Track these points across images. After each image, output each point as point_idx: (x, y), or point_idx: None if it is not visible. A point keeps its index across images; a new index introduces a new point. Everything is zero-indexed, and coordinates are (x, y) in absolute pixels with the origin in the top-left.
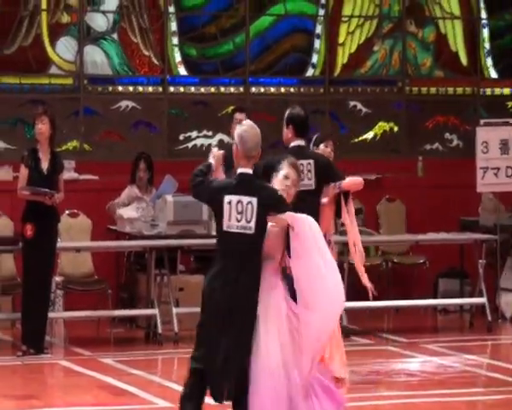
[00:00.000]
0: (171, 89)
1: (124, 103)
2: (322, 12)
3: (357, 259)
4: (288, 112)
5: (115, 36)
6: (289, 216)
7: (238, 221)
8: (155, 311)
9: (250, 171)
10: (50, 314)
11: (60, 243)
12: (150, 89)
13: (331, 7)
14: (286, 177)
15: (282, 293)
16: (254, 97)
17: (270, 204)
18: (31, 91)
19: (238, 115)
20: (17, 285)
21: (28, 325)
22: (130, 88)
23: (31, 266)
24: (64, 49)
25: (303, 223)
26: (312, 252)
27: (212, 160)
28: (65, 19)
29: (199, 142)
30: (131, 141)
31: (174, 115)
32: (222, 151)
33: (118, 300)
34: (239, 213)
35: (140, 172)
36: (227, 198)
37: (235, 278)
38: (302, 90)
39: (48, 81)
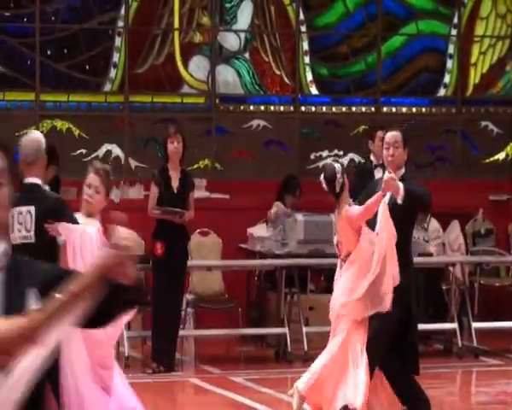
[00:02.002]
0: (303, 108)
1: (255, 122)
2: (454, 32)
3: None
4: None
5: (247, 55)
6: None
7: None
8: (285, 330)
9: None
10: (181, 332)
11: (191, 262)
12: (282, 108)
13: (463, 27)
14: None
15: None
16: (386, 117)
17: None
18: (162, 110)
19: (380, 133)
20: (147, 303)
21: (159, 343)
22: (262, 107)
23: (161, 285)
24: (196, 69)
25: None
26: None
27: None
28: (197, 38)
29: (330, 161)
30: (263, 160)
31: (305, 134)
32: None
33: (248, 318)
34: None
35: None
36: None
37: None
38: (434, 110)
39: (180, 100)
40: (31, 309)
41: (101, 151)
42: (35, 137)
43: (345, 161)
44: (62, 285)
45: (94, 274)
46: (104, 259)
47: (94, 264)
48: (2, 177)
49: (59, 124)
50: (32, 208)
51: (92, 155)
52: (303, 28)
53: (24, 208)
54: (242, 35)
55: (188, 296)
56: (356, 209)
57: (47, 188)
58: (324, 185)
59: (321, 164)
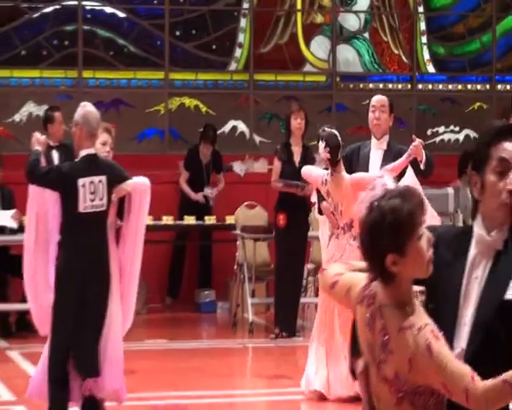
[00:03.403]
0: (420, 86)
1: None
2: None
3: None
4: None
5: (366, 35)
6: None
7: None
8: None
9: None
10: (302, 299)
11: (311, 232)
12: (400, 86)
13: None
14: None
15: None
16: (500, 94)
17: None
18: (285, 88)
19: None
20: (270, 272)
21: (281, 310)
22: (381, 85)
23: (283, 254)
24: (317, 48)
25: None
26: None
27: (37, 146)
28: (319, 19)
29: (446, 137)
30: None
31: (422, 111)
32: (44, 136)
33: None
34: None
35: None
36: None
37: None
38: None
39: (302, 78)
40: None
41: (227, 127)
42: (94, 109)
43: (460, 137)
44: None
45: None
46: None
47: None
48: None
49: (187, 101)
50: (104, 178)
51: (218, 131)
52: (420, 9)
53: (95, 178)
54: (362, 16)
55: (309, 265)
56: (373, 175)
57: None
58: (327, 153)
59: (437, 139)
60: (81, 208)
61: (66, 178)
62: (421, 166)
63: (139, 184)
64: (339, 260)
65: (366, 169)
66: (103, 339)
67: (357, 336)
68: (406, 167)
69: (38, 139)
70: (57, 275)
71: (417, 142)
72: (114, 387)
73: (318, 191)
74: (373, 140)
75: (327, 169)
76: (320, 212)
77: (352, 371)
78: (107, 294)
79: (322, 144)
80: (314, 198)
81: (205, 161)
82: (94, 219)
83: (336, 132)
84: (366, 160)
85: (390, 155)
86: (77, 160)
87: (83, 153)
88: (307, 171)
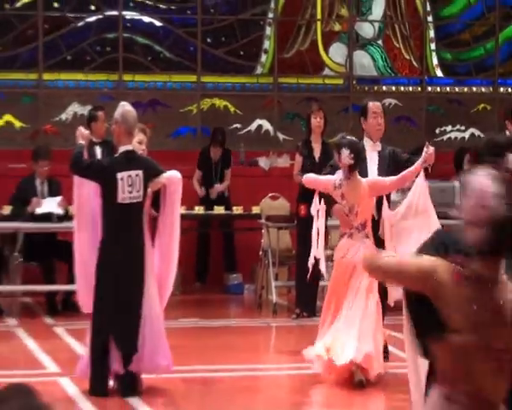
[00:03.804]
0: (429, 88)
1: (387, 100)
2: None
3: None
4: None
5: (380, 42)
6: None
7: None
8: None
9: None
10: (321, 283)
11: (330, 221)
12: (410, 88)
13: None
14: None
15: None
16: (502, 96)
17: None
18: (306, 90)
19: None
20: (292, 257)
21: (302, 291)
22: (393, 87)
23: (305, 241)
24: (336, 54)
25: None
26: None
27: (81, 140)
28: (337, 27)
29: (453, 135)
30: (393, 133)
31: (431, 112)
32: (88, 131)
33: None
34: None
35: None
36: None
37: None
38: None
39: (321, 81)
40: None
41: (253, 126)
42: (132, 109)
43: (466, 135)
44: None
45: None
46: None
47: None
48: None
49: (217, 102)
50: (140, 172)
51: (245, 130)
52: (429, 18)
53: (133, 172)
54: (376, 24)
55: (328, 251)
56: (387, 179)
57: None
58: (351, 159)
59: (445, 137)
60: (120, 199)
61: (106, 172)
62: (429, 170)
63: (172, 178)
64: (354, 257)
65: (365, 170)
66: (145, 318)
67: (426, 317)
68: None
69: (82, 134)
70: (99, 259)
71: (431, 149)
72: (157, 362)
73: (321, 195)
74: (368, 142)
75: (329, 174)
76: (328, 213)
77: (424, 350)
78: (143, 277)
79: (346, 151)
80: (314, 208)
81: (215, 160)
82: (131, 209)
83: (356, 140)
84: (364, 161)
85: (384, 156)
86: (116, 155)
87: (122, 149)
88: (312, 178)
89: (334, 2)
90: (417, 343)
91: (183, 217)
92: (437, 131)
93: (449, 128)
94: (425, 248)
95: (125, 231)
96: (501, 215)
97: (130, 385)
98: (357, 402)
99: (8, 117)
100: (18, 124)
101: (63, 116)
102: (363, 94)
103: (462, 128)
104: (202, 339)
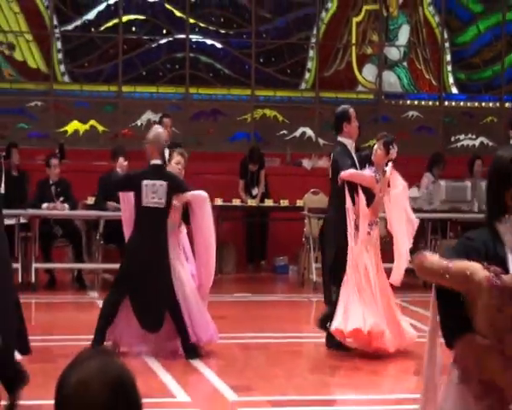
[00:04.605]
0: (446, 103)
1: (410, 113)
2: None
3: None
4: None
5: (405, 64)
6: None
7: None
8: None
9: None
10: None
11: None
12: (430, 103)
13: None
14: None
15: None
16: (507, 111)
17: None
18: (342, 103)
19: None
20: None
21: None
22: (415, 102)
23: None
24: (367, 73)
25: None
26: None
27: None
28: (368, 51)
29: (465, 143)
30: (415, 140)
31: (447, 123)
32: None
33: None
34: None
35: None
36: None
37: None
38: None
39: (355, 96)
40: None
41: (298, 132)
42: (163, 131)
43: (476, 143)
44: None
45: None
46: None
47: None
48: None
49: (268, 112)
50: (165, 183)
51: (291, 135)
52: (446, 44)
53: (157, 182)
54: (402, 49)
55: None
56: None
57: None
58: (395, 153)
59: (458, 145)
60: (144, 202)
61: (132, 180)
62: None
63: (197, 196)
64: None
65: (355, 167)
66: (184, 303)
67: (458, 315)
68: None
69: (119, 164)
70: (126, 248)
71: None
72: (199, 336)
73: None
74: (350, 143)
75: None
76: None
77: (449, 342)
78: (164, 267)
79: (395, 147)
80: (350, 201)
81: (252, 171)
82: (154, 212)
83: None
84: (352, 159)
85: (359, 155)
86: (147, 167)
87: (151, 162)
88: (359, 173)
89: (367, 30)
90: (443, 334)
91: (237, 208)
92: (452, 139)
93: (462, 137)
94: (455, 254)
95: (148, 229)
96: None
97: (191, 350)
98: (381, 366)
99: (92, 122)
100: (101, 128)
101: (138, 122)
102: (390, 107)
103: (473, 137)
104: (253, 311)
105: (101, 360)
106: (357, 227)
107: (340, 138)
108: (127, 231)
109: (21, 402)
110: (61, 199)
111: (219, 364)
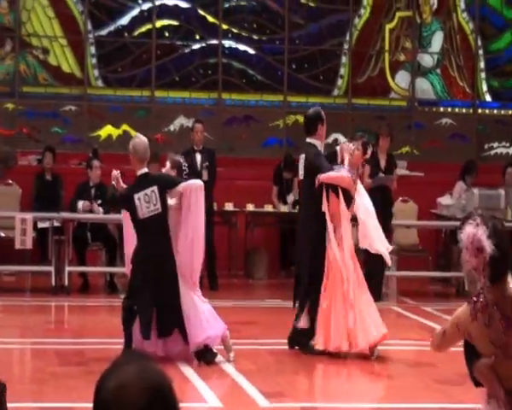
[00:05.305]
0: (479, 110)
1: (444, 120)
2: None
3: None
4: None
5: (438, 71)
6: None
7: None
8: (462, 273)
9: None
10: (387, 273)
11: (394, 221)
12: (463, 110)
13: None
14: None
15: None
16: None
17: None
18: (375, 110)
19: None
20: (362, 250)
21: (370, 279)
22: (449, 109)
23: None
24: (401, 80)
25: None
26: None
27: (113, 181)
28: (402, 57)
29: (499, 150)
30: (448, 148)
31: (481, 130)
32: (118, 171)
33: (436, 264)
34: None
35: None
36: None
37: None
38: None
39: (388, 103)
40: None
41: (330, 139)
42: (142, 139)
43: (510, 150)
44: None
45: None
46: None
47: None
48: None
49: (300, 118)
50: (155, 187)
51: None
52: (480, 52)
53: (148, 190)
54: (435, 56)
55: (392, 246)
56: None
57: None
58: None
59: (492, 152)
60: (140, 216)
61: (124, 198)
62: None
63: (190, 184)
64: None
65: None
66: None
67: (472, 355)
68: None
69: (113, 176)
70: (132, 259)
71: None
72: (195, 341)
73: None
74: (320, 144)
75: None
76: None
77: (475, 381)
78: (171, 277)
79: (371, 148)
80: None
81: (287, 178)
82: (152, 221)
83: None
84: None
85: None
86: (134, 182)
87: (138, 173)
88: (338, 175)
89: (400, 36)
90: (471, 378)
91: (269, 214)
92: (485, 146)
93: (495, 144)
94: None
95: (150, 240)
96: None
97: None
98: (404, 375)
99: (125, 127)
100: (133, 133)
101: (171, 127)
102: (424, 114)
103: (507, 145)
104: (284, 317)
105: (140, 365)
106: (334, 230)
107: (310, 140)
108: (126, 247)
109: (54, 405)
110: (99, 202)
111: (251, 370)
